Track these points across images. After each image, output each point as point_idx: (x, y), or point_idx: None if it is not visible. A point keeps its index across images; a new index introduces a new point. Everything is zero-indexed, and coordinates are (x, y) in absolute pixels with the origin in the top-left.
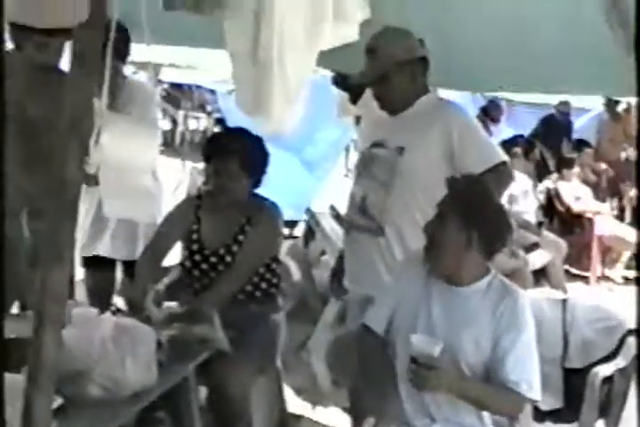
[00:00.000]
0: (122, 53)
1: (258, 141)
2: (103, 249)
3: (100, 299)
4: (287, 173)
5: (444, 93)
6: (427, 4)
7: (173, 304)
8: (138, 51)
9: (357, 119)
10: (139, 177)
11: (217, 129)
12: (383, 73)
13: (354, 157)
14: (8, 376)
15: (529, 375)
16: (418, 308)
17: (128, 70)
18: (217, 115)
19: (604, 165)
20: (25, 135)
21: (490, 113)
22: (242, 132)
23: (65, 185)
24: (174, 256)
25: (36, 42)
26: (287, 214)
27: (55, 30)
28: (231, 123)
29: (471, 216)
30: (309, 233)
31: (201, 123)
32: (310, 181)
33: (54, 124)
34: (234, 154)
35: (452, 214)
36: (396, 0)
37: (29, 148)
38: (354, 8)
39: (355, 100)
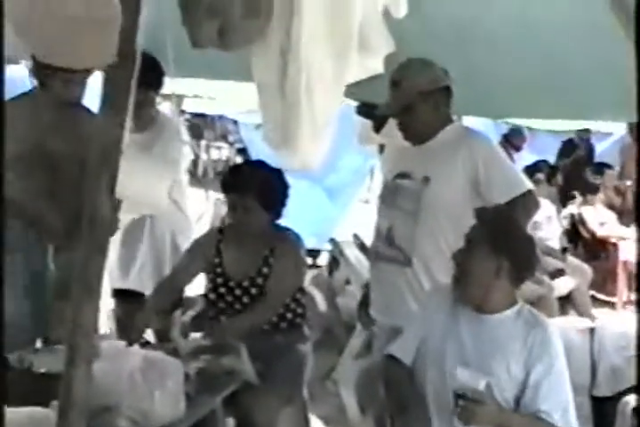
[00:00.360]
0: (154, 84)
1: (277, 174)
2: (132, 283)
3: (129, 331)
4: (309, 202)
5: (465, 120)
6: (449, 33)
7: (198, 336)
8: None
9: (381, 147)
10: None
11: (239, 159)
12: (407, 104)
13: (374, 183)
14: (39, 410)
15: (561, 405)
16: (446, 337)
17: None
18: (239, 145)
19: (628, 182)
20: (48, 170)
21: (512, 141)
22: (259, 165)
23: (95, 220)
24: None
25: (60, 78)
26: (310, 243)
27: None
28: (254, 152)
29: (501, 245)
30: (333, 262)
31: (223, 152)
32: (332, 209)
33: (78, 160)
34: (250, 189)
35: (481, 244)
36: (419, 30)
37: (53, 182)
38: (379, 41)
39: (378, 129)
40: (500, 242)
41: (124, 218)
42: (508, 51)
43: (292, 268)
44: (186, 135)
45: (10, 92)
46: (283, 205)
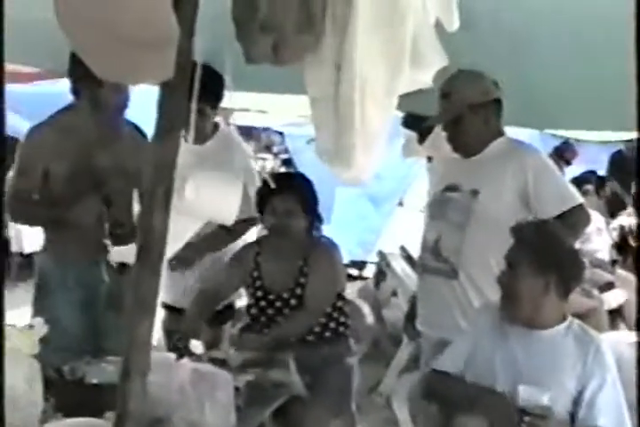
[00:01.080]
0: (215, 98)
1: (310, 184)
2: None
3: (177, 343)
4: (355, 211)
5: (510, 131)
6: (500, 44)
7: (246, 348)
8: None
9: (429, 157)
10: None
11: (283, 169)
12: (457, 115)
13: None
14: (95, 421)
15: (618, 419)
16: (496, 354)
17: None
18: (283, 155)
19: None
20: (98, 185)
21: (563, 155)
22: (295, 175)
23: (150, 236)
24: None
25: (112, 88)
26: (356, 254)
27: None
28: (299, 163)
29: (545, 263)
30: (380, 274)
31: (267, 163)
32: (377, 218)
33: (125, 174)
34: (292, 193)
35: (525, 263)
36: (470, 41)
37: (99, 195)
38: (432, 55)
39: (422, 140)
40: (543, 259)
41: (189, 231)
42: (558, 61)
43: (328, 274)
44: (248, 148)
45: (58, 107)
46: (317, 214)
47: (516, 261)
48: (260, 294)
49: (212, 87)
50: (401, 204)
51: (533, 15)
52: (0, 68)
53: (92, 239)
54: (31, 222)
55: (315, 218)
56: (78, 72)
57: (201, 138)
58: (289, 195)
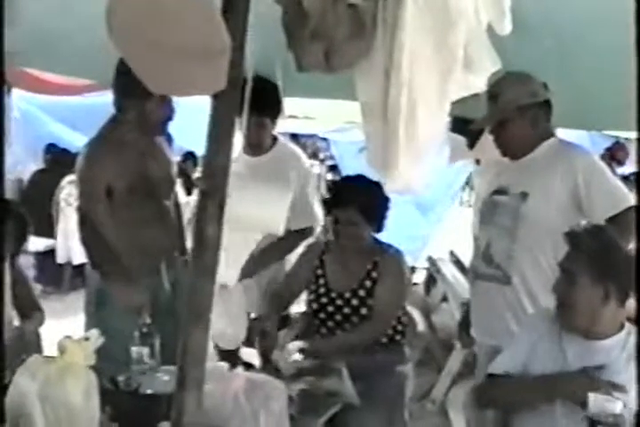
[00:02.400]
0: (272, 111)
1: (377, 187)
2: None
3: (228, 352)
4: (402, 218)
5: (559, 132)
6: (551, 46)
7: (299, 357)
8: None
9: (477, 161)
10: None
11: (330, 176)
12: (505, 118)
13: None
14: None
15: None
16: (550, 362)
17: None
18: (330, 162)
19: None
20: (150, 194)
21: (615, 155)
22: (361, 179)
23: (204, 246)
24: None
25: (157, 100)
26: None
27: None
28: (344, 169)
29: (604, 271)
30: (430, 280)
31: (314, 170)
32: (425, 225)
33: (169, 185)
34: (353, 203)
35: (582, 274)
36: (522, 44)
37: (155, 205)
38: (484, 60)
39: (472, 144)
40: (602, 268)
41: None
42: (608, 62)
43: (398, 286)
44: (306, 159)
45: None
46: (384, 217)
47: (572, 270)
48: (322, 290)
49: (271, 100)
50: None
51: (584, 16)
52: (0, 70)
53: (151, 250)
54: (100, 244)
55: (381, 222)
56: (124, 85)
57: (260, 150)
58: (350, 204)
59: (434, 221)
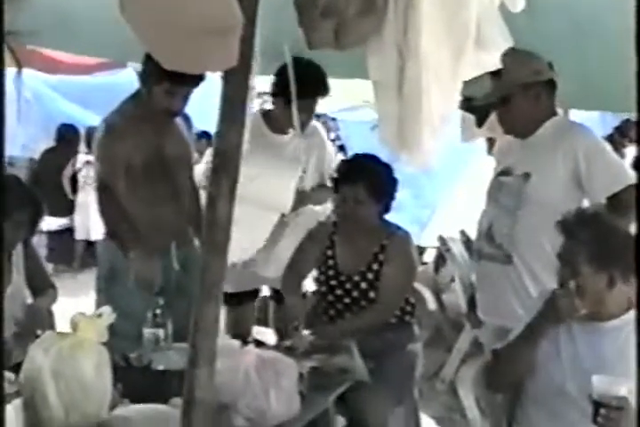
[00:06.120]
0: (315, 91)
1: (386, 167)
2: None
3: (240, 330)
4: (408, 190)
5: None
6: (563, 26)
7: (308, 333)
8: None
9: (490, 144)
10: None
11: (340, 155)
12: (507, 95)
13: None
14: (153, 407)
15: None
16: (557, 345)
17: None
18: (339, 142)
19: None
20: (165, 173)
21: (626, 132)
22: (370, 159)
23: (215, 224)
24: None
25: (165, 89)
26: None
27: (186, 79)
28: (351, 149)
29: (605, 256)
30: (440, 259)
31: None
32: (432, 192)
33: (185, 165)
34: (361, 180)
35: (582, 262)
36: (530, 22)
37: (170, 185)
38: (496, 37)
39: (480, 123)
40: (602, 255)
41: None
42: (623, 44)
43: (405, 269)
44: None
45: (118, 97)
46: (392, 198)
47: (573, 261)
48: (331, 273)
49: (314, 81)
50: None
51: None
52: (1, 69)
53: (163, 228)
54: (119, 215)
55: (389, 202)
56: (155, 65)
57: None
58: (358, 183)
59: (441, 189)
